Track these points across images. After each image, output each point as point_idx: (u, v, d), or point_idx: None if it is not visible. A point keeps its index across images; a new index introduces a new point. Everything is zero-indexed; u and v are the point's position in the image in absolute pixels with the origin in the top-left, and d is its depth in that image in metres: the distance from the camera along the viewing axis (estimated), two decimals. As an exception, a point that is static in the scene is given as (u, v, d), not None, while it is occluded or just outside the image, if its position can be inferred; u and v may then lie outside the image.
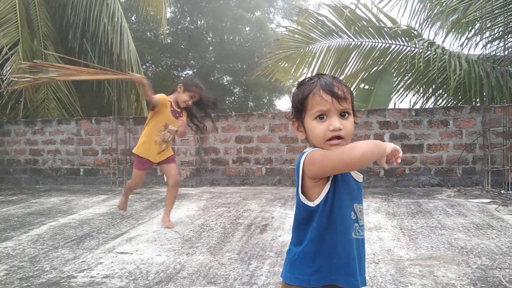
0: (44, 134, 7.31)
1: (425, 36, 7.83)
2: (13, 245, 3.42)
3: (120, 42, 8.25)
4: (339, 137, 1.16)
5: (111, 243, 3.41)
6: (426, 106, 7.85)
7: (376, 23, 7.44)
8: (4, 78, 7.41)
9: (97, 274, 2.73)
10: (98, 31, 8.45)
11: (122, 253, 3.16)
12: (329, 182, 1.17)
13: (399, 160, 1.22)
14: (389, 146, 1.17)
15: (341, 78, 8.28)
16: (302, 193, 1.21)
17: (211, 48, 17.43)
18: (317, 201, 1.17)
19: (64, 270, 2.81)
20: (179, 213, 4.55)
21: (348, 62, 8.18)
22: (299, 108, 1.22)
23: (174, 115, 3.89)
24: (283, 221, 4.10)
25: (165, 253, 3.14)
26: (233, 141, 6.73)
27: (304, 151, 1.21)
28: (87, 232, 3.79)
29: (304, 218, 1.21)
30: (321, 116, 1.17)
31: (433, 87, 7.88)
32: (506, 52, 6.03)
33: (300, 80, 1.44)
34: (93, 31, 8.51)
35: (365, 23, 7.45)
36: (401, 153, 1.22)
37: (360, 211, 1.23)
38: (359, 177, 1.25)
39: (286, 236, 3.52)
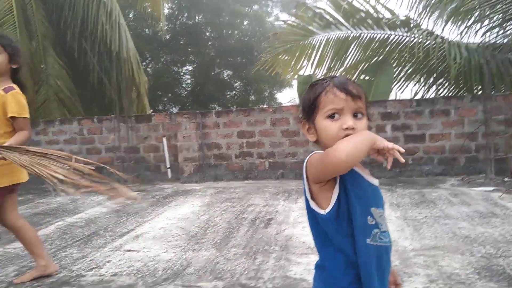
0: (47, 134, 7.34)
1: (423, 26, 7.79)
2: (22, 245, 3.45)
3: (119, 40, 8.25)
4: None
5: (118, 241, 3.45)
6: (427, 96, 7.84)
7: (375, 14, 7.41)
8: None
9: (106, 272, 2.76)
10: (96, 30, 8.44)
11: (129, 250, 3.20)
12: (337, 186, 1.11)
13: (401, 159, 1.09)
14: (380, 140, 1.10)
15: (340, 69, 8.30)
16: (313, 199, 1.15)
17: (210, 43, 17.39)
18: (328, 209, 1.11)
19: (73, 269, 2.85)
20: (184, 210, 4.59)
21: (348, 54, 8.16)
22: (311, 108, 1.17)
23: None
24: (287, 214, 4.13)
25: (172, 249, 3.18)
26: (235, 136, 6.76)
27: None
28: (94, 231, 3.83)
29: (324, 225, 1.15)
30: (333, 115, 1.12)
31: (434, 76, 7.86)
32: (506, 40, 6.01)
33: (308, 79, 1.40)
34: (92, 30, 8.49)
35: (363, 15, 7.43)
36: (398, 151, 1.10)
37: (380, 216, 1.15)
38: (373, 180, 1.18)
39: (290, 230, 3.56)
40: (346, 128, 1.09)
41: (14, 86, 2.48)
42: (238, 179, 6.73)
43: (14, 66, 2.44)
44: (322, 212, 1.13)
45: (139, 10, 11.35)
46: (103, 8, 8.34)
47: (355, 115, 1.12)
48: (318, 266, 1.20)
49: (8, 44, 2.40)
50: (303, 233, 3.42)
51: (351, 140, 1.06)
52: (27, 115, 2.49)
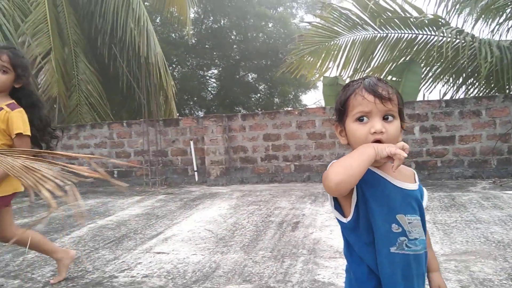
0: (78, 138, 7.58)
1: (453, 24, 7.63)
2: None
3: (147, 46, 8.44)
4: (379, 142, 1.07)
5: (148, 244, 3.54)
6: (457, 96, 7.67)
7: (402, 13, 7.31)
8: (39, 87, 7.73)
9: (137, 274, 2.84)
10: (125, 35, 8.67)
11: (159, 253, 3.27)
12: (354, 194, 1.09)
13: (394, 168, 1.03)
14: (381, 150, 1.02)
15: (367, 71, 8.22)
16: (340, 207, 1.14)
17: (235, 46, 17.53)
18: (349, 218, 1.10)
19: (106, 270, 2.94)
20: (211, 212, 4.65)
21: (374, 55, 8.09)
22: (341, 110, 1.15)
23: None
24: (314, 218, 4.13)
25: (200, 252, 3.23)
26: (261, 139, 6.79)
27: None
28: (125, 233, 3.94)
29: (346, 233, 1.15)
30: (361, 118, 1.09)
31: (464, 76, 7.68)
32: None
33: (343, 80, 1.40)
34: (121, 36, 8.73)
35: (390, 15, 7.34)
36: (404, 154, 1.02)
37: (409, 223, 1.08)
38: (405, 184, 1.11)
39: (318, 234, 3.55)
40: (374, 132, 1.07)
41: (16, 104, 2.47)
42: (264, 182, 6.76)
43: (17, 86, 2.45)
44: (344, 220, 1.12)
45: (166, 15, 11.57)
46: (132, 14, 8.56)
47: (385, 118, 1.09)
48: (346, 270, 1.21)
49: (19, 64, 2.41)
50: (331, 237, 3.42)
51: (343, 163, 1.03)
52: (30, 134, 2.45)
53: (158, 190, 6.61)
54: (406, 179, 1.14)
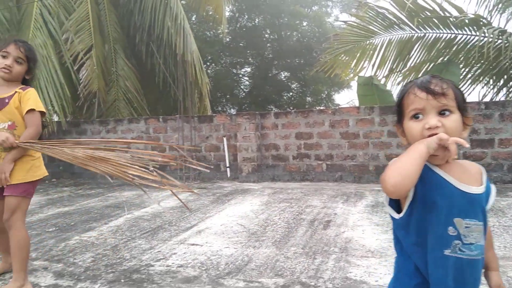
0: (116, 132, 7.83)
1: (495, 24, 7.38)
2: (96, 235, 3.76)
3: (183, 43, 8.61)
4: None
5: (182, 235, 3.64)
6: (497, 99, 7.42)
7: (441, 13, 7.13)
8: (80, 82, 8.04)
9: (172, 263, 2.94)
10: (162, 33, 8.87)
11: (193, 244, 3.36)
12: (411, 193, 1.09)
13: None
14: (432, 142, 1.04)
15: (403, 71, 8.08)
16: (395, 202, 1.15)
17: (268, 44, 17.58)
18: (401, 214, 1.12)
19: (143, 259, 3.05)
20: (243, 208, 4.72)
21: (411, 55, 7.93)
22: (398, 110, 1.18)
23: None
24: (346, 217, 4.12)
25: (233, 245, 3.30)
26: (293, 138, 6.81)
27: None
28: (160, 225, 4.06)
29: (396, 229, 1.17)
30: (416, 116, 1.11)
31: (505, 77, 7.42)
32: None
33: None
34: (158, 34, 8.94)
35: (428, 14, 7.17)
36: (448, 139, 1.03)
37: (466, 227, 1.07)
38: (469, 187, 1.08)
39: (349, 233, 3.55)
40: (429, 128, 1.07)
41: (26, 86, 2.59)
42: (295, 180, 6.78)
43: (27, 77, 2.58)
44: (396, 216, 1.13)
45: (202, 13, 11.74)
46: (169, 12, 8.75)
47: (442, 113, 1.08)
48: (395, 261, 1.23)
49: (32, 57, 2.54)
50: (363, 236, 3.41)
51: (397, 164, 1.04)
52: (43, 110, 2.53)
53: (192, 184, 6.75)
54: (471, 180, 1.10)
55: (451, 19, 7.05)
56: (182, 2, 10.18)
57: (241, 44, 17.43)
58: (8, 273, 2.74)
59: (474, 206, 1.08)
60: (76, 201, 5.52)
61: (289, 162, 6.85)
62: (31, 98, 2.49)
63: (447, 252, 1.07)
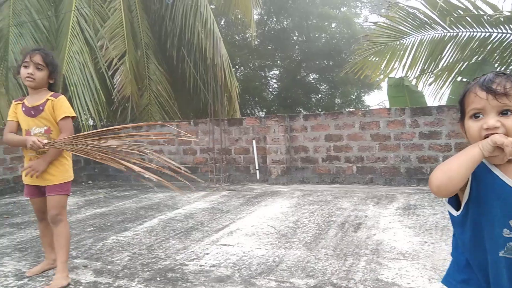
0: (149, 136, 8.03)
1: (533, 21, 7.13)
2: (132, 235, 3.89)
3: (213, 48, 8.76)
4: None
5: (214, 236, 3.72)
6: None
7: (474, 11, 6.96)
8: (115, 87, 8.31)
9: (205, 263, 3.01)
10: (193, 38, 9.06)
11: (225, 245, 3.44)
12: (467, 188, 1.09)
13: (508, 149, 1.00)
14: (486, 145, 1.02)
15: (435, 71, 7.92)
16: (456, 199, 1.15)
17: (297, 47, 17.58)
18: (459, 211, 1.12)
19: (177, 258, 3.15)
20: (273, 210, 4.77)
21: (443, 55, 7.76)
22: (460, 109, 1.16)
23: (29, 114, 2.71)
24: (377, 220, 4.10)
25: (264, 246, 3.35)
26: (323, 140, 6.80)
27: None
28: (192, 225, 4.16)
29: (453, 225, 1.19)
30: (476, 115, 1.09)
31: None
32: None
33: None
34: (189, 39, 9.13)
35: (461, 13, 7.01)
36: (504, 141, 1.01)
37: None
38: None
39: (381, 235, 3.54)
40: (487, 128, 1.05)
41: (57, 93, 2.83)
42: (325, 182, 6.77)
43: (51, 81, 2.76)
44: (454, 213, 1.15)
45: (231, 17, 11.90)
46: (199, 17, 8.93)
47: (504, 113, 1.05)
48: (451, 253, 1.25)
49: (50, 62, 2.70)
50: (394, 239, 3.39)
51: (444, 166, 1.05)
52: (74, 115, 2.79)
53: (222, 186, 6.86)
54: None
55: (485, 17, 6.87)
56: (211, 6, 10.36)
57: (269, 47, 17.51)
58: (51, 269, 2.89)
59: None
60: (111, 202, 5.71)
61: (318, 165, 6.84)
62: (64, 105, 2.72)
63: (501, 253, 1.06)
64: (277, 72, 18.97)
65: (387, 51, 8.05)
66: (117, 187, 7.23)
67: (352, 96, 18.19)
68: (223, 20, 15.78)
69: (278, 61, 18.10)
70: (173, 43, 9.53)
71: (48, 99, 2.71)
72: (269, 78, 19.15)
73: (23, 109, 2.71)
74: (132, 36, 8.95)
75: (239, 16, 11.72)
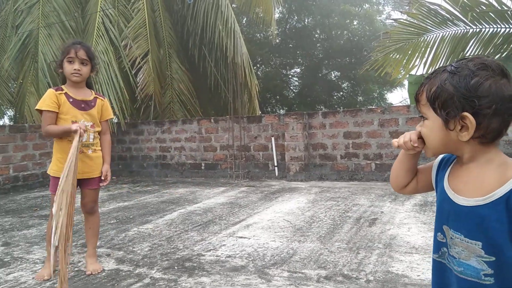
0: (171, 133, 8.24)
1: (560, 16, 6.94)
2: (152, 227, 4.04)
3: (234, 46, 8.87)
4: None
5: (231, 229, 3.84)
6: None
7: (498, 6, 6.83)
8: (138, 85, 8.53)
9: (221, 254, 3.13)
10: (214, 37, 9.18)
11: (241, 237, 3.54)
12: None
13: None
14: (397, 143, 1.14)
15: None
16: None
17: (318, 44, 17.53)
18: None
19: (195, 249, 3.27)
20: (290, 205, 4.85)
21: (466, 51, 7.63)
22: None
23: (79, 107, 2.74)
24: (393, 215, 4.13)
25: (279, 239, 3.44)
26: (341, 137, 6.83)
27: None
28: (211, 219, 4.29)
29: None
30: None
31: None
32: None
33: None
34: (210, 38, 9.27)
35: (484, 8, 6.89)
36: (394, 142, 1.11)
37: (452, 238, 1.00)
38: (458, 197, 0.99)
39: (395, 230, 3.57)
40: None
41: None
42: (343, 179, 6.79)
43: (92, 74, 2.87)
44: None
45: (252, 16, 11.98)
46: (220, 16, 9.05)
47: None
48: None
49: (93, 56, 2.79)
50: (408, 234, 3.42)
51: (393, 165, 1.21)
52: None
53: (241, 182, 6.97)
54: (477, 187, 0.96)
55: (509, 12, 6.74)
56: (232, 5, 10.48)
57: (290, 45, 17.52)
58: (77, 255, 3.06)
59: (461, 219, 0.97)
60: (134, 197, 5.91)
61: (337, 162, 6.87)
62: (109, 108, 2.92)
63: (435, 256, 1.07)
64: (298, 70, 18.96)
65: (408, 48, 7.97)
66: (139, 183, 7.44)
67: (374, 93, 18.02)
68: (244, 19, 15.88)
69: (299, 59, 18.08)
70: (195, 42, 9.69)
71: (97, 97, 2.84)
72: (290, 76, 19.16)
73: (70, 100, 2.69)
74: (155, 36, 9.15)
75: (260, 15, 11.77)
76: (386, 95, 18.49)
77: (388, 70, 8.55)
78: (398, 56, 8.28)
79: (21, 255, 3.22)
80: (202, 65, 9.82)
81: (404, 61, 8.28)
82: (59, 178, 2.43)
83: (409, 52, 8.06)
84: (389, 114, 6.52)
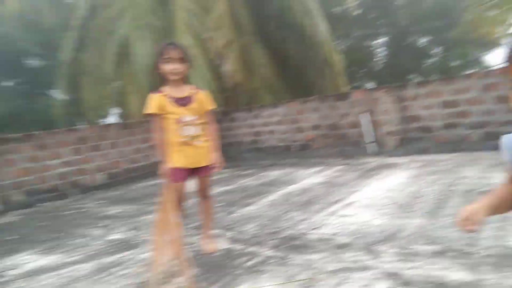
0: (261, 117, 8.46)
1: None
2: (255, 208, 4.27)
3: (313, 25, 8.77)
4: None
5: (332, 208, 3.90)
6: None
7: None
8: (225, 75, 8.87)
9: (325, 232, 3.22)
10: (292, 18, 9.14)
11: (343, 216, 3.60)
12: None
13: None
14: None
15: None
16: None
17: (402, 11, 16.49)
18: None
19: (298, 228, 3.41)
20: (389, 181, 4.76)
21: None
22: None
23: (181, 104, 2.95)
24: (505, 186, 3.86)
25: (381, 217, 3.43)
26: (438, 107, 6.46)
27: None
28: (310, 199, 4.39)
29: None
30: None
31: None
32: None
33: None
34: (288, 19, 9.24)
35: None
36: None
37: None
38: None
39: (509, 202, 3.35)
40: None
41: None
42: (445, 151, 6.43)
43: (188, 71, 3.03)
44: None
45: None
46: (298, -4, 8.98)
47: None
48: None
49: (188, 54, 2.98)
50: (525, 205, 3.19)
51: None
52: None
53: (335, 161, 6.96)
54: None
55: None
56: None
57: (372, 16, 16.75)
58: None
59: None
60: (235, 180, 6.23)
61: (435, 133, 6.53)
62: (209, 99, 3.11)
63: None
64: (382, 40, 18.08)
65: (509, 2, 7.23)
66: (238, 167, 7.78)
67: (470, 57, 16.53)
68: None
69: (383, 29, 17.22)
70: (274, 25, 9.75)
71: (196, 91, 3.05)
72: (374, 48, 18.36)
73: (171, 99, 2.91)
74: (236, 24, 9.38)
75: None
76: (483, 57, 16.84)
77: (484, 30, 7.85)
78: (495, 13, 7.56)
79: (147, 238, 3.64)
80: (283, 47, 9.86)
81: (505, 17, 7.54)
82: (184, 169, 2.95)
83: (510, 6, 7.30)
84: (492, 78, 5.99)
